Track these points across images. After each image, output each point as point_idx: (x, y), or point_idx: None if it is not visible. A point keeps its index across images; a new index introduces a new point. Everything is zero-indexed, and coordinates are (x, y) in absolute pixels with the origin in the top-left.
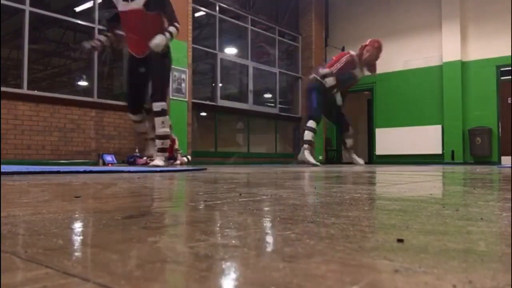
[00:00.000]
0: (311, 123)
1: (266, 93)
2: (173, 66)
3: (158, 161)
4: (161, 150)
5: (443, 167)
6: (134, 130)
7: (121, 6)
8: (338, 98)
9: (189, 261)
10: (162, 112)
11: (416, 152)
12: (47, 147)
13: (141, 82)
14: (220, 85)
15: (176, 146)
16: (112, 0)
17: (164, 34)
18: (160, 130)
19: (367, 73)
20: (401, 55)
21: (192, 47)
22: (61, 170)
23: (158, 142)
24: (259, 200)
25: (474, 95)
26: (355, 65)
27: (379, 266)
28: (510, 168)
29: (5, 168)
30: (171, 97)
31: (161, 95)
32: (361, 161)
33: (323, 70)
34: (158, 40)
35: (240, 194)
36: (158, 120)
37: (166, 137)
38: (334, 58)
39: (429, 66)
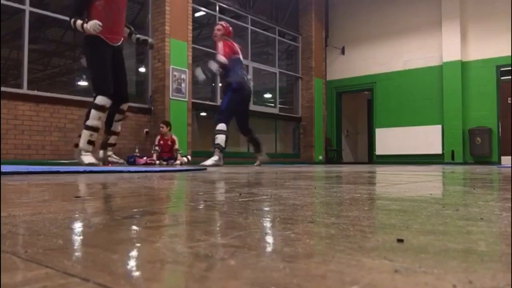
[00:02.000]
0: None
1: (266, 93)
2: (173, 66)
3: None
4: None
5: (443, 167)
6: (133, 130)
7: None
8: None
9: (189, 261)
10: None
11: (416, 152)
12: (47, 147)
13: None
14: (220, 85)
15: (176, 146)
16: None
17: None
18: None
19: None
20: (401, 55)
21: (192, 47)
22: (61, 170)
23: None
24: (259, 200)
25: (474, 95)
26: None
27: (379, 266)
28: (510, 168)
29: (5, 168)
30: (171, 97)
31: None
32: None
33: None
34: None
35: (240, 194)
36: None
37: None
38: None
39: (429, 66)
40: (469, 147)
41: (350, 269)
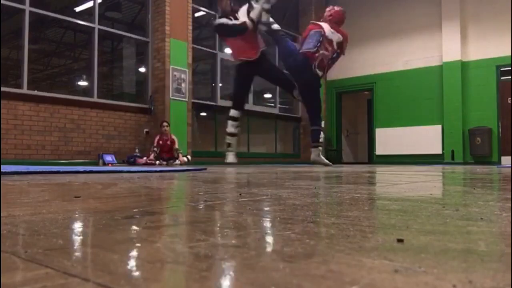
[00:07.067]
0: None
1: (266, 93)
2: (173, 66)
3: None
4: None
5: (443, 167)
6: (133, 131)
7: None
8: None
9: (189, 261)
10: None
11: (416, 152)
12: (47, 147)
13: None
14: (220, 85)
15: (176, 146)
16: None
17: None
18: None
19: None
20: (401, 55)
21: (192, 47)
22: (61, 170)
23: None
24: (259, 200)
25: (474, 95)
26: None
27: (379, 266)
28: (510, 168)
29: (5, 168)
30: (171, 97)
31: None
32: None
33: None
34: None
35: (240, 194)
36: None
37: None
38: None
39: (429, 66)
40: (469, 147)
41: (350, 269)
